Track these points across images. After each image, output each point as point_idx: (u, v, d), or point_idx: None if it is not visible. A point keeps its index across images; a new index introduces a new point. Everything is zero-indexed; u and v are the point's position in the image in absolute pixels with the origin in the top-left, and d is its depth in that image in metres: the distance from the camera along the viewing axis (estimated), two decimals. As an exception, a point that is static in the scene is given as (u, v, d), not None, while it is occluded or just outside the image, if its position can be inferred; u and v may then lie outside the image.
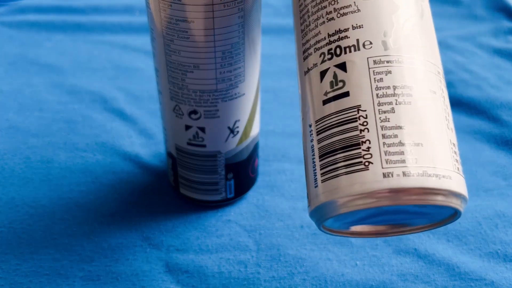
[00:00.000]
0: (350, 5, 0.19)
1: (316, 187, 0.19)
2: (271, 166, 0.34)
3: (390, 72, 0.18)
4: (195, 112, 0.26)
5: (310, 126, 0.20)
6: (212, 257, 0.29)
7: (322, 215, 0.19)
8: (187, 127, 0.27)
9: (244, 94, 0.27)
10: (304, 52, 0.21)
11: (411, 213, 0.20)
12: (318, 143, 0.19)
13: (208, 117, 0.26)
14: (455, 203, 0.18)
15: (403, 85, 0.18)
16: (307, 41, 0.21)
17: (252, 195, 0.32)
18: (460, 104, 0.40)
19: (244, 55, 0.25)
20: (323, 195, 0.18)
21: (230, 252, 0.29)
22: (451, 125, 0.19)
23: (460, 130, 0.38)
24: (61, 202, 0.31)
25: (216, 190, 0.30)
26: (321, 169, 0.19)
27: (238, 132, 0.28)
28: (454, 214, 0.19)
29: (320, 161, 0.19)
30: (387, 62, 0.18)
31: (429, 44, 0.20)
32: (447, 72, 0.43)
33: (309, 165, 0.20)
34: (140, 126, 0.37)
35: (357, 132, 0.18)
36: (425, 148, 0.18)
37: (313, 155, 0.19)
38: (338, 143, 0.18)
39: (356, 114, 0.18)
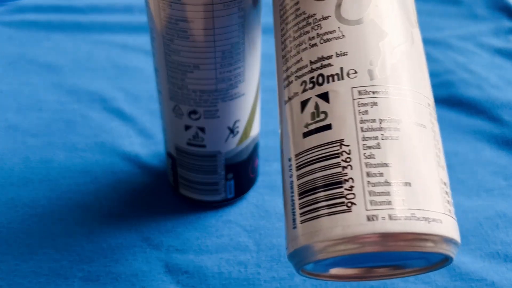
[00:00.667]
0: (334, 30, 0.18)
1: (294, 228, 0.17)
2: (271, 166, 0.34)
3: (376, 103, 0.17)
4: (195, 112, 0.26)
5: (290, 160, 0.18)
6: (212, 258, 0.29)
7: (302, 259, 0.17)
8: (187, 127, 0.27)
9: (244, 94, 0.26)
10: (285, 79, 0.20)
11: (398, 258, 0.19)
12: (297, 179, 0.18)
13: (208, 117, 0.26)
14: (445, 249, 0.17)
15: (390, 118, 0.17)
16: (288, 68, 0.19)
17: (252, 195, 0.32)
18: (460, 104, 0.40)
19: (244, 55, 0.25)
20: (302, 238, 0.17)
21: (230, 253, 0.29)
22: (443, 162, 0.18)
23: (460, 130, 0.37)
24: (60, 202, 0.31)
25: (216, 191, 0.30)
26: (300, 209, 0.17)
27: (238, 132, 0.28)
28: (445, 260, 0.18)
29: (299, 199, 0.17)
30: (373, 92, 0.17)
31: (419, 73, 0.18)
32: (447, 72, 0.43)
33: (287, 203, 0.18)
34: (140, 126, 0.37)
35: (340, 169, 0.17)
36: (413, 188, 0.16)
37: (292, 192, 0.18)
38: (319, 180, 0.17)
39: (338, 149, 0.17)
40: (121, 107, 0.39)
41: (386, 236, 0.16)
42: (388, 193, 0.16)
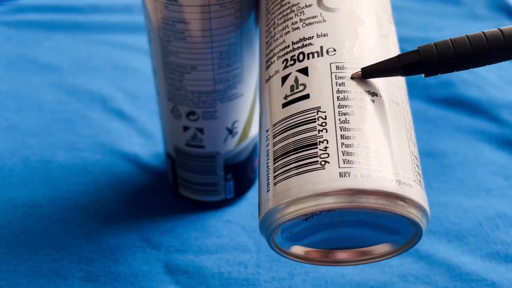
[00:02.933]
0: (316, 15, 0.19)
1: (268, 191, 0.17)
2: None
3: (352, 78, 0.18)
4: (193, 113, 0.26)
5: (267, 131, 0.19)
6: (211, 258, 0.29)
7: (271, 223, 0.17)
8: (185, 128, 0.27)
9: (242, 94, 0.26)
10: (267, 62, 0.20)
11: (367, 231, 0.19)
12: (273, 146, 0.18)
13: (206, 118, 0.26)
14: (415, 214, 0.17)
15: (366, 91, 0.18)
16: (271, 51, 0.20)
17: (251, 195, 0.32)
18: (461, 104, 0.40)
19: (241, 56, 0.25)
20: (272, 199, 0.17)
21: (230, 253, 0.29)
22: (414, 139, 0.19)
23: (460, 130, 0.37)
24: (60, 202, 0.31)
25: (215, 191, 0.30)
26: (274, 172, 0.17)
27: (236, 132, 0.28)
28: (414, 237, 0.18)
29: (274, 163, 0.18)
30: (349, 68, 0.18)
31: None
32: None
33: (262, 172, 0.18)
34: (140, 126, 0.37)
35: (315, 133, 0.17)
36: (385, 152, 0.17)
37: (268, 159, 0.18)
38: (295, 143, 0.17)
39: (315, 115, 0.17)
40: (121, 107, 0.39)
41: (356, 193, 0.16)
42: (361, 154, 0.16)
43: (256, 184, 0.33)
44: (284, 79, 0.19)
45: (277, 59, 0.20)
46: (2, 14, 0.48)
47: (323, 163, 0.16)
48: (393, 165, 0.17)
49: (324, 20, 0.19)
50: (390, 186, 0.16)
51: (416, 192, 0.17)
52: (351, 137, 0.17)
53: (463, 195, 0.32)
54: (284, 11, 0.21)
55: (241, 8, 0.23)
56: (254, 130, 0.29)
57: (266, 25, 0.21)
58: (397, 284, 0.27)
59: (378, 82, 0.18)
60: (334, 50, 0.19)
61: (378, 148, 0.17)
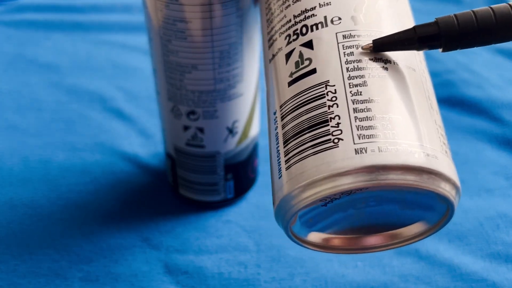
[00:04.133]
0: None
1: (280, 177, 0.16)
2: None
3: (361, 45, 0.17)
4: (193, 112, 0.26)
5: (275, 113, 0.18)
6: (211, 258, 0.29)
7: (287, 210, 0.16)
8: (186, 128, 0.27)
9: (242, 94, 0.26)
10: (269, 40, 0.19)
11: (394, 211, 0.17)
12: (282, 129, 0.17)
13: (206, 118, 0.26)
14: (446, 190, 0.15)
15: (377, 58, 0.16)
16: (272, 28, 0.19)
17: (252, 195, 0.32)
18: (461, 103, 0.40)
19: (242, 55, 0.25)
20: (287, 185, 0.16)
21: (230, 253, 0.29)
22: (435, 107, 0.17)
23: (461, 130, 0.37)
24: (59, 203, 0.31)
25: (215, 191, 0.30)
26: (285, 156, 0.16)
27: (237, 132, 0.28)
28: (446, 212, 0.16)
29: (284, 147, 0.16)
30: (357, 36, 0.17)
31: (406, 23, 0.18)
32: (448, 71, 0.43)
33: (273, 157, 0.17)
34: (139, 125, 0.37)
35: (325, 109, 0.16)
36: (406, 123, 0.15)
37: (277, 143, 0.17)
38: (304, 123, 0.16)
39: (324, 90, 0.16)
40: (120, 106, 0.39)
41: (376, 169, 0.14)
42: (378, 127, 0.15)
43: (256, 184, 0.33)
44: (288, 55, 0.18)
45: (279, 36, 0.18)
46: (1, 13, 0.48)
47: (336, 140, 0.15)
48: (416, 136, 0.15)
49: None
50: (415, 159, 0.14)
51: (445, 164, 0.15)
52: (365, 110, 0.15)
53: (464, 195, 0.32)
54: None
55: (242, 7, 0.23)
56: (254, 130, 0.29)
57: (266, 1, 0.20)
58: (398, 284, 0.27)
59: None
60: (339, 18, 0.17)
61: (397, 118, 0.15)
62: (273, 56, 0.19)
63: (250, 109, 0.28)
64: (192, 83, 0.25)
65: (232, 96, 0.26)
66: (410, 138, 0.15)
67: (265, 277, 0.28)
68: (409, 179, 0.14)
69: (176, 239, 0.30)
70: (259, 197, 0.32)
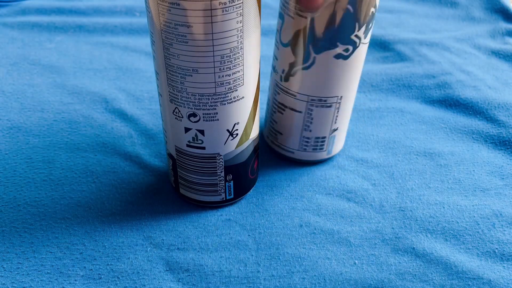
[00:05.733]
0: None
1: None
2: (271, 166, 0.35)
3: None
4: (194, 115, 0.26)
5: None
6: (212, 256, 0.29)
7: None
8: (187, 130, 0.27)
9: (243, 97, 0.27)
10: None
11: None
12: None
13: (207, 120, 0.26)
14: None
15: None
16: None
17: (251, 194, 0.32)
18: (457, 104, 0.40)
19: (243, 59, 0.25)
20: None
21: (230, 251, 0.29)
22: None
23: (457, 131, 0.38)
24: (62, 202, 0.32)
25: (215, 192, 0.30)
26: None
27: (237, 134, 0.28)
28: None
29: None
30: None
31: None
32: (444, 73, 0.43)
33: None
34: (141, 126, 0.37)
35: None
36: None
37: None
38: None
39: None
40: (122, 107, 0.39)
41: None
42: None
43: (256, 184, 0.33)
44: None
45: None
46: (5, 15, 0.49)
47: None
48: None
49: None
50: None
51: None
52: None
53: (459, 195, 0.33)
54: None
55: (243, 13, 0.23)
56: (254, 132, 0.29)
57: None
58: (395, 282, 0.28)
59: None
60: None
61: None
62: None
63: (250, 111, 0.28)
64: (193, 86, 0.25)
65: (232, 99, 0.26)
66: None
67: (265, 274, 0.28)
68: None
69: (177, 237, 0.30)
70: (259, 197, 0.32)
